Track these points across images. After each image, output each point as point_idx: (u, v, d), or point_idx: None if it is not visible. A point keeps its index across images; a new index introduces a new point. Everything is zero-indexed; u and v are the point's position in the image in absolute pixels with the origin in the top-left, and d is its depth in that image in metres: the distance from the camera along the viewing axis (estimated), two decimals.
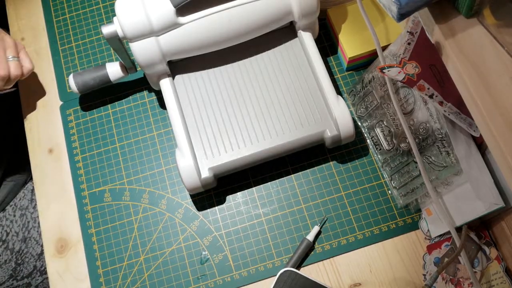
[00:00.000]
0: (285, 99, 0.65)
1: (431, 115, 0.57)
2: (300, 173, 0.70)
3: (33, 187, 0.72)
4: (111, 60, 0.78)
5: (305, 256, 0.65)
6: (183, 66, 0.67)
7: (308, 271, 0.65)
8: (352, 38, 0.71)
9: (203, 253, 0.66)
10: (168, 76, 0.66)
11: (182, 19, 0.60)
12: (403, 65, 0.47)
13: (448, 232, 0.62)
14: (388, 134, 0.66)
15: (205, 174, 0.62)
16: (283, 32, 0.68)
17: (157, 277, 0.66)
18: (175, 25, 0.60)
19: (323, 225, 0.67)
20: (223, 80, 0.67)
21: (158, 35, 0.61)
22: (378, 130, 0.68)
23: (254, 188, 0.69)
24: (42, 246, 0.78)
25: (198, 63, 0.67)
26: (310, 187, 0.69)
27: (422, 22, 0.45)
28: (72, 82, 0.70)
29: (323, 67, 0.65)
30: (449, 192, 0.60)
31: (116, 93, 0.76)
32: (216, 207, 0.68)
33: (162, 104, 0.74)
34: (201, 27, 0.61)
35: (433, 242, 0.64)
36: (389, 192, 0.68)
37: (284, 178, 0.69)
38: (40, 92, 0.77)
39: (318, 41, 0.75)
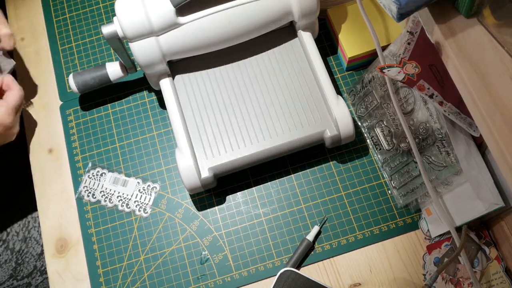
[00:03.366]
0: (285, 99, 0.65)
1: (431, 115, 0.57)
2: (300, 173, 0.69)
3: (33, 187, 0.72)
4: (111, 60, 0.78)
5: (305, 256, 0.65)
6: (183, 66, 0.67)
7: (308, 271, 0.65)
8: (352, 38, 0.71)
9: (203, 253, 0.66)
10: (168, 76, 0.66)
11: (182, 19, 0.60)
12: (403, 65, 0.47)
13: (448, 232, 0.62)
14: (388, 134, 0.66)
15: (205, 174, 0.62)
16: (283, 32, 0.68)
17: (157, 277, 0.66)
18: (175, 25, 0.60)
19: (323, 225, 0.67)
20: (223, 80, 0.67)
21: (158, 35, 0.61)
22: (378, 130, 0.68)
23: (254, 188, 0.69)
24: (42, 246, 0.78)
25: (198, 63, 0.67)
26: (310, 187, 0.69)
27: (422, 22, 0.45)
28: (72, 82, 0.70)
29: (323, 67, 0.65)
30: (449, 192, 0.60)
31: (116, 93, 0.76)
32: (216, 207, 0.68)
33: (162, 104, 0.74)
34: (201, 27, 0.61)
35: (433, 242, 0.64)
36: (389, 192, 0.68)
37: (284, 178, 0.69)
38: (40, 92, 0.77)
39: (318, 41, 0.75)
